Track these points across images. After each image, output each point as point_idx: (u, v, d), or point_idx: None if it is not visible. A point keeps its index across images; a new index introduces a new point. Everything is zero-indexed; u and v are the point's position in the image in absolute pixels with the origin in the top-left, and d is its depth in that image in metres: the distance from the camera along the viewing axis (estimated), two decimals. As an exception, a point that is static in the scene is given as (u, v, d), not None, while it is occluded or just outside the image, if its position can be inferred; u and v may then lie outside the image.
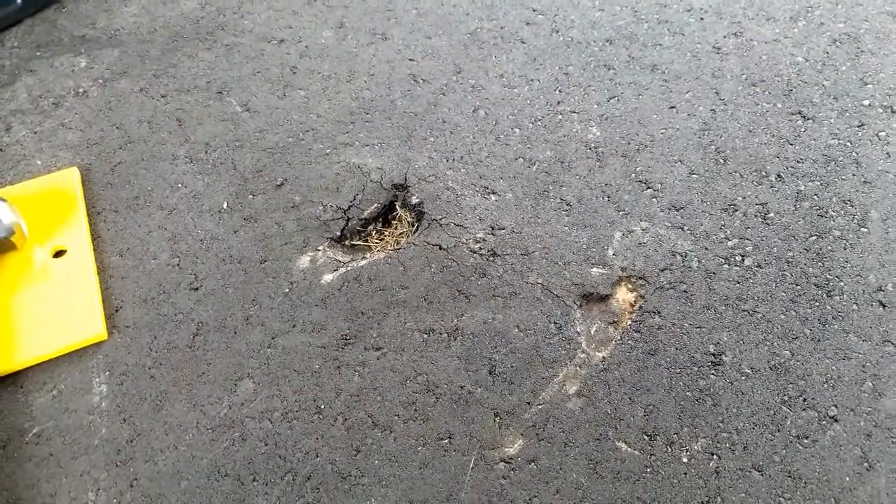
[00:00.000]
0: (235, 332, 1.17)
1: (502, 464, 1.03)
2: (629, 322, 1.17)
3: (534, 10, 1.70)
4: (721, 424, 1.06)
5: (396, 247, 1.29)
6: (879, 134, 1.40)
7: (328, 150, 1.43)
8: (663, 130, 1.43)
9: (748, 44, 1.59)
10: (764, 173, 1.35)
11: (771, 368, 1.11)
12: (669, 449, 1.04)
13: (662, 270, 1.23)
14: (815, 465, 1.02)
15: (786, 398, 1.08)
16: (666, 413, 1.07)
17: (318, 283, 1.23)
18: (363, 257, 1.28)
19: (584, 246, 1.26)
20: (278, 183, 1.38)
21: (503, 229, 1.29)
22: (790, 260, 1.23)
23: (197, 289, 1.23)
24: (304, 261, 1.26)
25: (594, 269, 1.23)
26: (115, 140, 1.46)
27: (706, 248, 1.25)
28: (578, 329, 1.16)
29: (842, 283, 1.20)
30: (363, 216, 1.33)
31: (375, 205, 1.35)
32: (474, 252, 1.26)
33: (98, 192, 1.37)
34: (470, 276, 1.23)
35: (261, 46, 1.65)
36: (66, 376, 1.12)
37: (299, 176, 1.39)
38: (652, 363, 1.12)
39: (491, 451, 1.04)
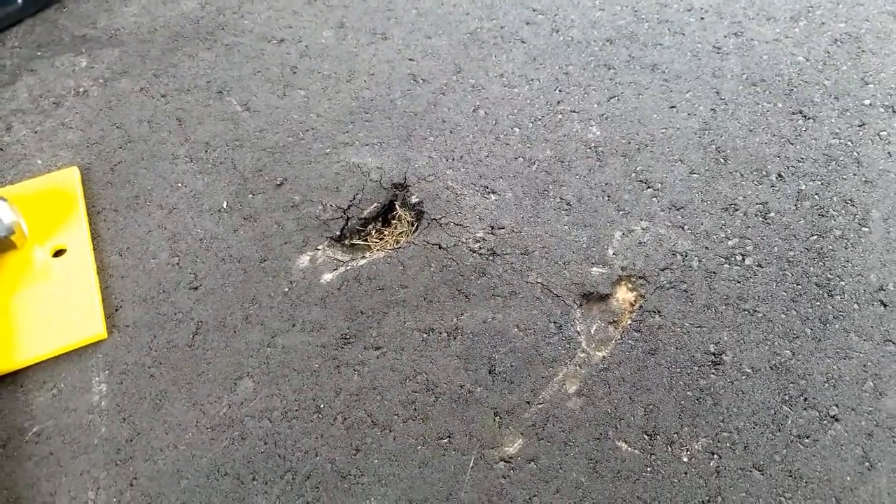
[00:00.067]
0: (235, 332, 1.17)
1: (502, 463, 1.03)
2: (629, 321, 1.17)
3: (534, 10, 1.70)
4: (721, 424, 1.05)
5: (396, 246, 1.29)
6: (880, 133, 1.40)
7: (328, 150, 1.43)
8: (664, 130, 1.43)
9: (749, 43, 1.59)
10: (764, 173, 1.35)
11: (772, 368, 1.11)
12: (670, 448, 1.03)
13: (663, 270, 1.22)
14: (816, 465, 1.01)
15: (787, 398, 1.07)
16: (666, 412, 1.07)
17: (318, 283, 1.23)
18: (363, 257, 1.27)
19: (584, 245, 1.26)
20: (278, 182, 1.38)
21: (503, 229, 1.29)
22: (791, 259, 1.23)
23: (196, 288, 1.23)
24: (304, 260, 1.26)
25: (594, 269, 1.23)
26: (116, 139, 1.46)
27: (706, 248, 1.25)
28: (578, 328, 1.16)
29: (843, 283, 1.19)
30: (363, 215, 1.33)
31: (375, 204, 1.35)
32: (474, 251, 1.26)
33: (98, 191, 1.37)
34: (470, 275, 1.23)
35: (261, 46, 1.65)
36: (65, 375, 1.12)
37: (299, 175, 1.39)
38: (652, 363, 1.12)
39: (491, 450, 1.04)
